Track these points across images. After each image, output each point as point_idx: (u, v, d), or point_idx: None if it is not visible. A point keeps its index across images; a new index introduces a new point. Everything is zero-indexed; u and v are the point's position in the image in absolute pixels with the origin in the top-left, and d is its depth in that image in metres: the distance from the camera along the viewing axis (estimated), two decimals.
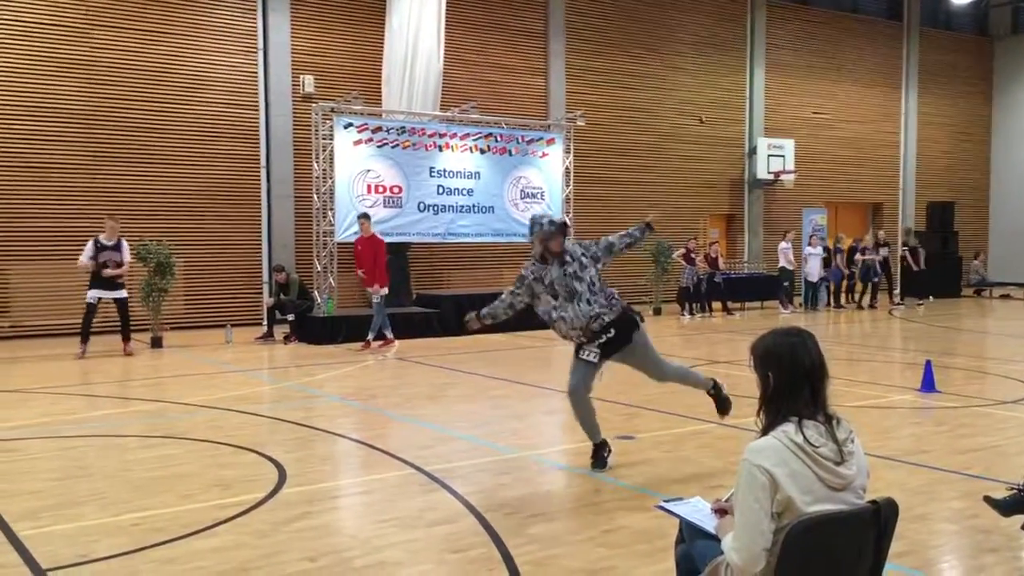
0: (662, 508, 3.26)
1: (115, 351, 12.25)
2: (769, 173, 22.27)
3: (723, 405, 6.57)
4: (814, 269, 19.55)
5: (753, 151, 22.62)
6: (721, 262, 19.32)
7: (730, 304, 19.12)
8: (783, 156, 22.40)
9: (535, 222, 6.11)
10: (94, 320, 12.32)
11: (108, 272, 12.15)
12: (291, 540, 4.71)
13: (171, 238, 14.12)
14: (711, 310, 18.76)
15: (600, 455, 6.20)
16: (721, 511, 3.06)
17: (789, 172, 22.36)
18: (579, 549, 4.56)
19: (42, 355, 12.35)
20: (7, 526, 4.91)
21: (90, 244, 12.24)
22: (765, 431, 2.84)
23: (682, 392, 9.31)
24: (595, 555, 4.47)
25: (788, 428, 2.77)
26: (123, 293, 12.42)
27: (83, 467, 6.39)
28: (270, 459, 6.41)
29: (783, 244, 19.48)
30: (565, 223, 6.18)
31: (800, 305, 19.62)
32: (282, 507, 5.30)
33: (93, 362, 11.69)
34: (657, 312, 18.58)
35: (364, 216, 13.71)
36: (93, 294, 12.21)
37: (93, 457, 6.73)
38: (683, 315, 18.15)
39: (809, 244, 19.64)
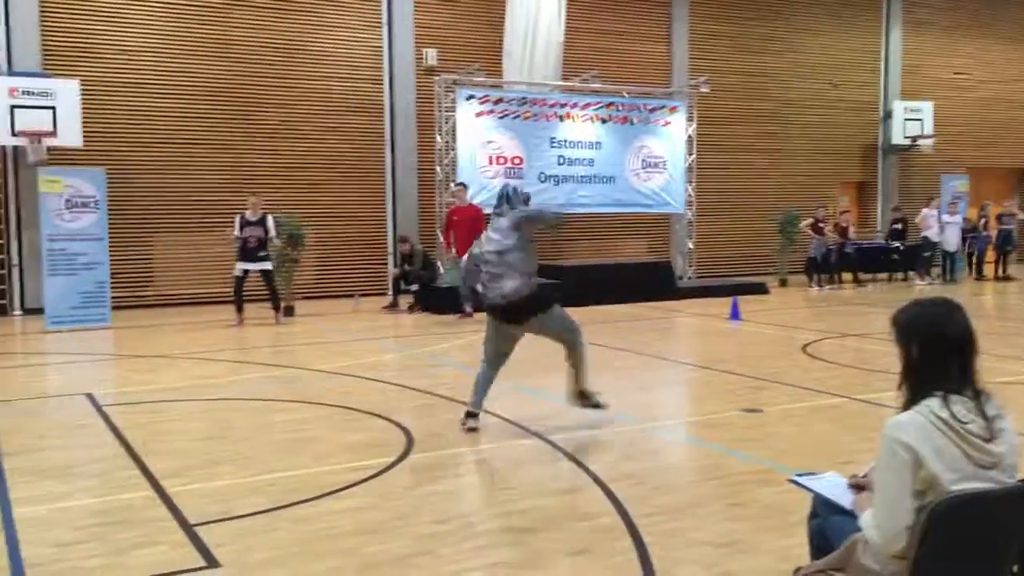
0: (795, 482, 3.17)
1: (253, 319, 12.77)
2: (905, 138, 21.25)
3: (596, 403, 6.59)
4: (952, 238, 18.60)
5: (888, 115, 21.59)
6: (852, 231, 18.61)
7: (861, 275, 18.43)
8: (921, 120, 21.30)
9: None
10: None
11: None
12: (420, 503, 4.84)
13: (301, 210, 14.59)
14: (841, 281, 18.13)
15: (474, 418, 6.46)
16: (858, 487, 2.96)
17: (927, 137, 21.27)
18: (705, 522, 4.51)
19: (185, 322, 13.01)
20: (157, 483, 5.22)
21: (237, 220, 12.78)
22: (907, 406, 2.72)
23: (812, 366, 9.07)
24: (722, 528, 4.41)
25: (932, 403, 2.65)
26: (268, 265, 12.94)
27: (224, 429, 6.73)
28: (398, 425, 6.58)
29: (927, 212, 18.56)
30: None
31: (938, 276, 18.71)
32: (411, 471, 5.44)
33: (232, 329, 12.25)
34: (783, 283, 18.08)
35: (462, 185, 13.80)
36: (239, 267, 12.78)
37: (233, 419, 7.07)
38: (811, 286, 17.61)
39: (948, 212, 18.66)
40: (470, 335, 11.59)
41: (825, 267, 17.90)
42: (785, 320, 12.87)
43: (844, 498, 2.95)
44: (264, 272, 12.92)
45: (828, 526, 2.97)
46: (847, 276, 18.35)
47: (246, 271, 12.77)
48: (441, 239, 15.43)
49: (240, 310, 12.66)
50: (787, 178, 20.51)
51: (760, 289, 16.60)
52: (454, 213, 13.66)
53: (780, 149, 20.52)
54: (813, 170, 20.94)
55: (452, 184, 15.29)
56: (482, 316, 12.95)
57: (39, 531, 4.44)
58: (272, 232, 12.87)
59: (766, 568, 3.92)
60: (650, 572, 3.88)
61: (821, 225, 17.84)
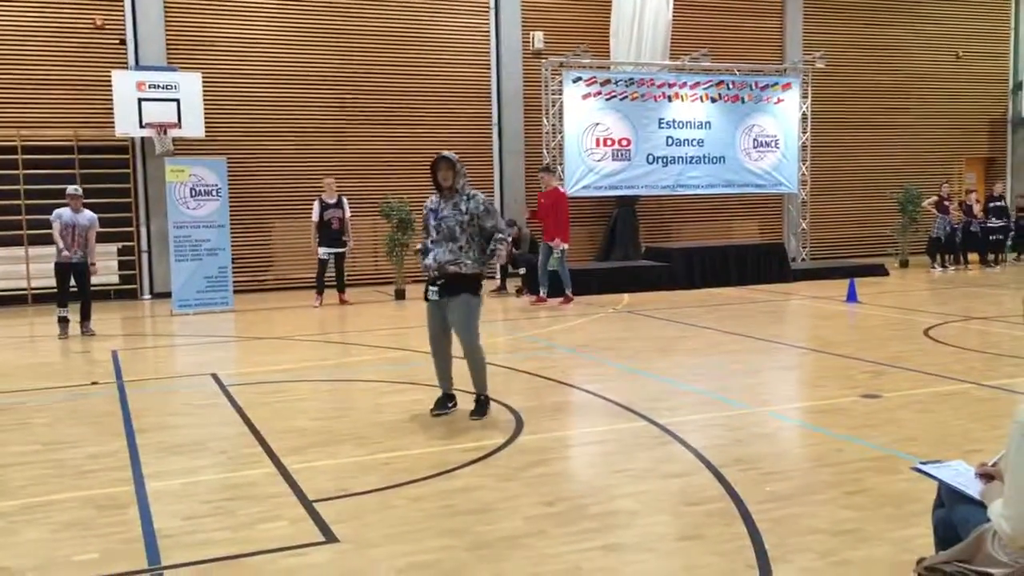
0: (919, 470, 3.07)
1: (363, 301, 13.11)
2: None
3: (480, 411, 6.42)
4: None
5: (1019, 87, 20.48)
6: (978, 209, 17.74)
7: (989, 256, 17.58)
8: None
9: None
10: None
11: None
12: (529, 485, 4.88)
13: (411, 195, 14.83)
14: (966, 262, 17.33)
15: (443, 404, 6.49)
16: (987, 476, 2.84)
17: None
18: (822, 509, 4.40)
19: (301, 305, 13.43)
20: (278, 460, 5.42)
21: (316, 205, 13.20)
22: None
23: (935, 350, 8.72)
24: (840, 516, 4.29)
25: None
26: (343, 249, 13.38)
27: (340, 408, 6.93)
28: (507, 407, 6.64)
29: None
30: (450, 159, 6.33)
31: None
32: (520, 453, 5.49)
33: (345, 312, 12.60)
34: (904, 264, 17.41)
35: (546, 169, 13.69)
36: (324, 251, 13.22)
37: (348, 400, 7.28)
38: (934, 267, 16.90)
39: None
40: (577, 319, 11.60)
41: (949, 247, 17.14)
42: (906, 303, 12.39)
43: (972, 487, 2.84)
44: (338, 255, 13.29)
45: (955, 516, 2.87)
46: (973, 256, 17.53)
47: (331, 254, 13.21)
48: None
49: (321, 293, 13.22)
50: (908, 155, 19.70)
51: (879, 271, 16.04)
52: (541, 197, 13.49)
53: (900, 125, 19.71)
54: (936, 146, 20.05)
55: (559, 168, 15.29)
56: (587, 300, 13.09)
57: (170, 504, 4.68)
58: (348, 213, 13.27)
59: (886, 558, 3.80)
60: (764, 559, 3.81)
61: (946, 203, 17.07)
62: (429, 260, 6.37)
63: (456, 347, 6.47)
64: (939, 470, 2.98)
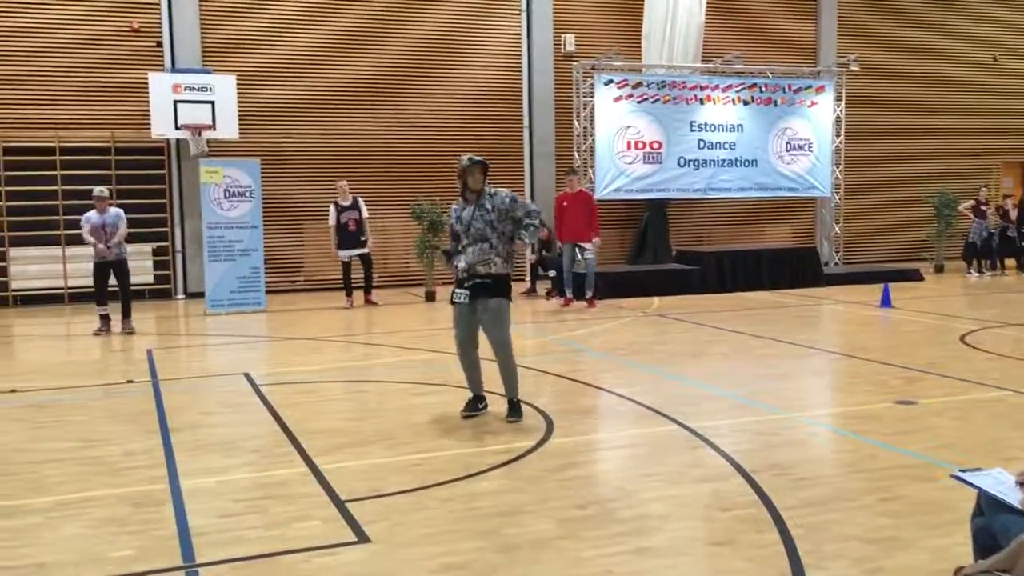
0: (958, 478, 3.03)
1: (393, 303, 13.16)
2: None
3: (516, 413, 6.40)
4: None
5: None
6: (1015, 215, 17.46)
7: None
8: None
9: (461, 160, 6.40)
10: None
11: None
12: (560, 487, 4.87)
13: (442, 197, 14.87)
14: (1003, 268, 17.07)
15: (473, 405, 6.52)
16: None
17: None
18: (856, 516, 4.35)
19: (332, 307, 13.51)
20: (311, 460, 5.46)
21: (332, 209, 13.30)
22: None
23: (971, 356, 8.60)
24: (875, 524, 4.24)
25: None
26: (365, 250, 13.45)
27: (371, 409, 6.97)
28: (537, 409, 6.64)
29: None
30: (484, 163, 6.35)
31: None
32: (550, 456, 5.48)
33: (375, 313, 12.66)
34: (939, 270, 17.19)
35: (572, 171, 13.64)
36: (345, 254, 13.33)
37: (379, 401, 7.32)
38: (970, 273, 16.67)
39: None
40: (607, 322, 11.57)
41: (986, 252, 16.90)
42: (941, 308, 12.23)
43: (1012, 496, 2.80)
44: (362, 256, 13.38)
45: (995, 525, 2.83)
46: (1010, 262, 17.27)
47: (351, 256, 13.37)
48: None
49: (350, 294, 13.37)
50: (944, 158, 19.44)
51: (913, 276, 15.85)
52: (563, 199, 13.30)
53: (936, 128, 19.45)
54: (972, 150, 19.75)
55: (590, 170, 15.28)
56: (617, 303, 13.04)
57: (204, 502, 4.73)
58: (365, 213, 13.37)
59: (922, 566, 3.76)
60: (798, 566, 3.78)
61: (983, 208, 16.83)
62: (461, 264, 6.34)
63: (484, 350, 6.47)
64: (978, 478, 2.94)
